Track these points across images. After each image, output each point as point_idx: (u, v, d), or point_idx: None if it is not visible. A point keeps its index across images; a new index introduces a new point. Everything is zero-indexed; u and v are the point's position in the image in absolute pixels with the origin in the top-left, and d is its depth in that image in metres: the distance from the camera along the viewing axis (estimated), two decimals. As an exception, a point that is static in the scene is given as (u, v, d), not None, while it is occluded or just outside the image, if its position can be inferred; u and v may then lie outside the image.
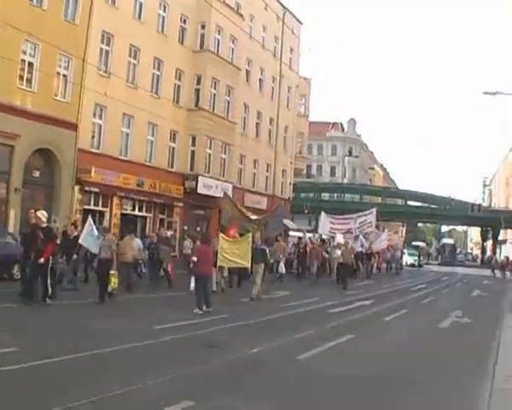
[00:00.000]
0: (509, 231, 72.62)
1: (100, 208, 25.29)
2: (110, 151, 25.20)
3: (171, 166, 29.71)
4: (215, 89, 31.29)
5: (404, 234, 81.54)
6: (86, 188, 23.83)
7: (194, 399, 6.12)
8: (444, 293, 24.95)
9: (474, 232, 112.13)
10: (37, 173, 22.06)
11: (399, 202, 71.01)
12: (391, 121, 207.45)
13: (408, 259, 50.32)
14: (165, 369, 7.36)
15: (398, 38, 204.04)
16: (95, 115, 24.63)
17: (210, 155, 31.24)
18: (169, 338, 9.56)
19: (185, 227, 27.74)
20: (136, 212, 27.68)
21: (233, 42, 32.77)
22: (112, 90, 24.34)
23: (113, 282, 13.35)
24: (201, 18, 30.37)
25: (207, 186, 29.87)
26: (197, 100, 30.48)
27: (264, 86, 38.70)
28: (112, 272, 13.32)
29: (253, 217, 22.32)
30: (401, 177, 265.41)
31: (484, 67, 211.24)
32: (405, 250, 52.22)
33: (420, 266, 53.44)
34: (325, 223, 31.22)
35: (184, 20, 30.08)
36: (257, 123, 37.88)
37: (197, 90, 30.54)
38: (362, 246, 29.90)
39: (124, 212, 26.45)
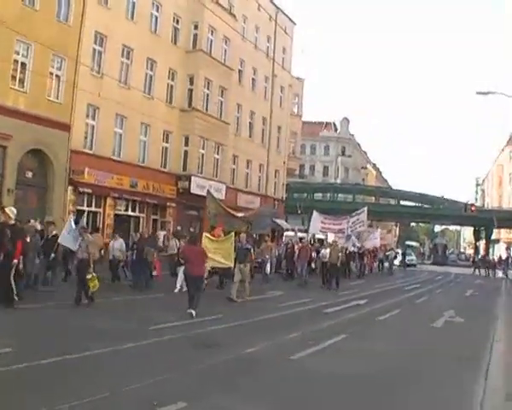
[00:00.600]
0: (501, 230, 72.87)
1: (93, 209, 25.27)
2: (103, 152, 25.17)
3: (164, 167, 29.70)
4: (208, 89, 31.29)
5: (397, 234, 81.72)
6: (79, 189, 23.79)
7: (189, 399, 6.09)
8: (437, 293, 25.00)
9: (467, 232, 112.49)
10: (29, 174, 21.99)
11: (392, 201, 71.03)
12: (384, 121, 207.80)
13: (406, 258, 50.17)
14: (159, 369, 7.32)
15: (392, 38, 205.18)
16: (88, 116, 24.61)
17: (203, 155, 31.27)
18: (163, 338, 9.50)
19: (178, 227, 27.69)
20: (130, 212, 27.69)
21: (226, 42, 32.77)
22: (105, 91, 24.30)
23: (92, 286, 12.61)
24: (194, 18, 30.40)
25: (200, 186, 29.81)
26: (190, 100, 30.49)
27: (257, 86, 38.73)
28: (88, 276, 12.58)
29: (239, 214, 22.27)
30: (394, 177, 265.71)
31: (478, 68, 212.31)
32: (399, 250, 52.33)
33: (414, 265, 53.59)
34: (317, 222, 30.97)
35: (177, 21, 30.08)
36: (250, 123, 37.91)
37: (190, 91, 30.55)
38: (354, 245, 29.92)
39: (117, 212, 26.47)
